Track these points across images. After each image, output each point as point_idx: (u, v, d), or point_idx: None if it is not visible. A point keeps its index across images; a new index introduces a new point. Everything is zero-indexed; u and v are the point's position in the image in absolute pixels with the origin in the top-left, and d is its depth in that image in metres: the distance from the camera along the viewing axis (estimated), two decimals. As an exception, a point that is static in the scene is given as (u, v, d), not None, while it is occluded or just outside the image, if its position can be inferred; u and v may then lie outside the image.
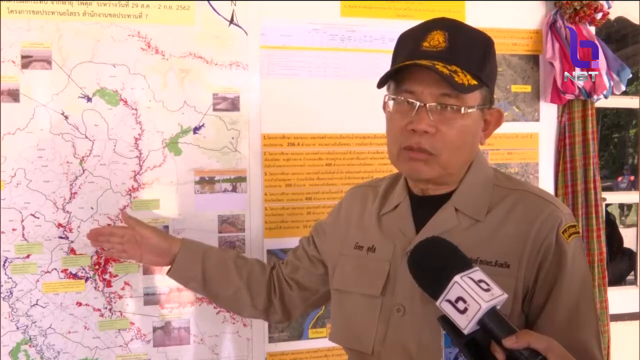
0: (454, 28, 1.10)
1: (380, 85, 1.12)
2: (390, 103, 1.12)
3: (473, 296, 0.83)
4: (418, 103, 1.06)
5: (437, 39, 1.07)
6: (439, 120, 1.06)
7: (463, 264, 0.90)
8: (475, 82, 1.06)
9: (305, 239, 1.47)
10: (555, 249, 1.07)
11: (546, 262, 1.07)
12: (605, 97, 2.08)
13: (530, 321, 1.10)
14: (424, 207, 1.15)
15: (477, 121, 1.11)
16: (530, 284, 1.08)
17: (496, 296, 0.84)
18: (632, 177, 8.83)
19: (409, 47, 1.10)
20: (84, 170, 1.70)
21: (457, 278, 0.85)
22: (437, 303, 0.87)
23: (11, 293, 1.65)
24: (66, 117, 1.68)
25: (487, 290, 0.84)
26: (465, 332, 0.84)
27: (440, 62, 1.04)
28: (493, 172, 1.20)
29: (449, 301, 0.86)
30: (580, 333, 1.07)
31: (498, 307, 0.85)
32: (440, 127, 1.06)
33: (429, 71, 1.04)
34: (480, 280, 0.86)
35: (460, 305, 0.84)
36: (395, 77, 1.10)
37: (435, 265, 0.91)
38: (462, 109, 1.06)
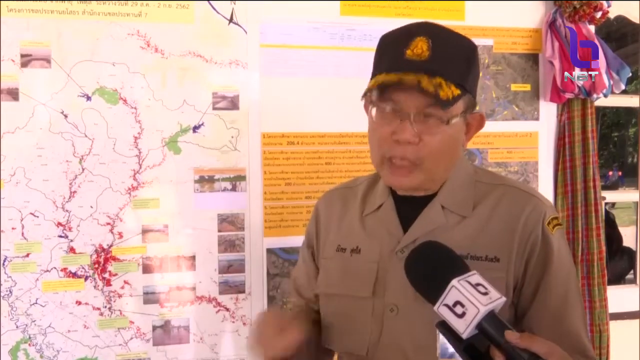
0: (437, 35, 1.08)
1: (364, 96, 1.10)
2: (373, 110, 1.11)
3: (471, 300, 0.83)
4: (402, 113, 1.06)
5: (420, 47, 1.05)
6: (423, 130, 1.06)
7: (460, 267, 0.89)
8: (459, 92, 1.05)
9: (304, 274, 1.31)
10: (542, 240, 1.09)
11: (534, 254, 1.09)
12: (605, 95, 2.08)
13: (520, 313, 1.11)
14: (408, 205, 1.15)
15: (460, 128, 1.11)
16: (520, 276, 1.10)
17: (494, 300, 0.84)
18: (620, 173, 9.09)
19: (392, 54, 1.09)
20: (83, 169, 1.70)
21: (454, 282, 0.85)
22: (435, 308, 0.86)
23: (11, 292, 1.65)
24: (65, 116, 1.68)
25: (485, 294, 0.84)
26: (464, 336, 0.83)
27: (425, 75, 1.02)
28: (473, 168, 1.21)
29: (446, 305, 0.85)
30: (569, 322, 1.09)
31: (496, 311, 0.85)
32: (424, 136, 1.06)
33: (414, 81, 1.03)
34: (478, 284, 0.85)
35: (458, 309, 0.83)
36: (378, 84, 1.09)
37: (432, 269, 0.90)
38: (447, 120, 1.06)
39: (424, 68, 1.03)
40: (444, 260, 0.91)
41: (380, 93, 1.09)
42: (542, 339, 0.85)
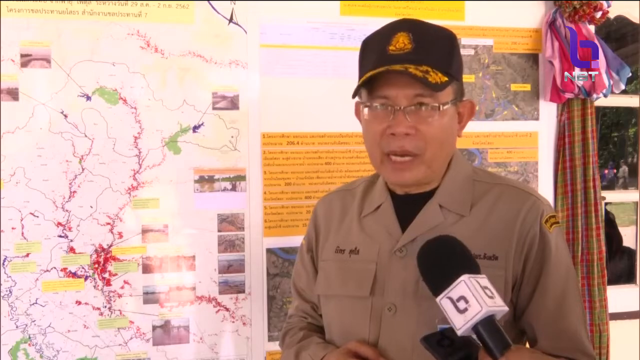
0: (417, 28, 1.10)
1: (355, 95, 1.12)
2: (365, 110, 1.12)
3: (476, 297, 0.84)
4: (394, 107, 1.07)
5: (402, 42, 1.08)
6: (417, 121, 1.07)
7: (473, 267, 0.90)
8: (446, 79, 1.07)
9: (305, 280, 1.32)
10: (539, 238, 1.10)
11: (532, 252, 1.10)
12: (605, 95, 2.08)
13: (519, 311, 1.12)
14: (407, 205, 1.16)
15: (452, 116, 1.13)
16: (519, 274, 1.10)
17: (498, 305, 0.85)
18: (615, 170, 9.19)
19: (375, 52, 1.10)
20: (83, 169, 1.70)
21: (464, 277, 0.86)
22: (438, 299, 0.87)
23: (11, 292, 1.65)
24: (65, 116, 1.68)
25: (491, 297, 0.85)
26: (459, 333, 0.84)
27: (411, 65, 1.04)
28: (471, 168, 1.22)
29: (450, 298, 0.86)
30: (568, 320, 1.10)
31: (497, 319, 0.85)
32: (419, 127, 1.07)
33: (402, 74, 1.04)
34: (486, 287, 0.86)
35: (462, 304, 0.84)
36: (366, 84, 1.10)
37: (445, 261, 0.92)
38: (439, 106, 1.07)
39: (409, 59, 1.05)
40: (459, 256, 0.92)
41: (369, 92, 1.10)
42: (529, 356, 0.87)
